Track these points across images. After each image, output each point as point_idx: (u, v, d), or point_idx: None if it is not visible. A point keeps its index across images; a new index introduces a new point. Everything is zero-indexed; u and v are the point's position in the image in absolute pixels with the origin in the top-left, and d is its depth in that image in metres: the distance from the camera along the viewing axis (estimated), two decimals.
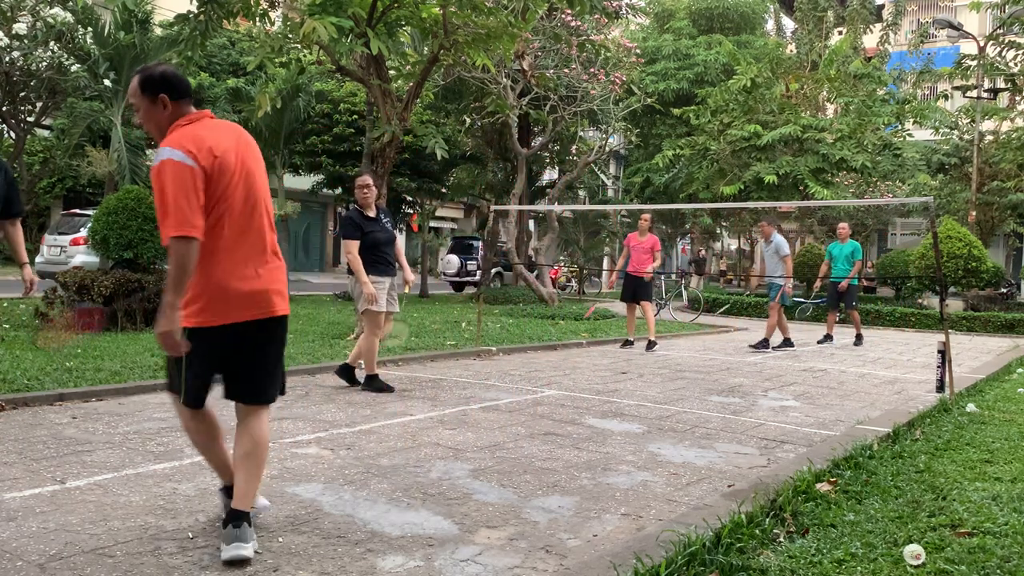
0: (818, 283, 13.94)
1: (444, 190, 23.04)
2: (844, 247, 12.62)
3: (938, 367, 7.36)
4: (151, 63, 3.57)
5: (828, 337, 13.01)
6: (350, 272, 6.72)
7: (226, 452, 3.31)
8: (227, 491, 3.26)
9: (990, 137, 23.70)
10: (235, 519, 3.00)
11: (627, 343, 11.38)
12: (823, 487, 3.90)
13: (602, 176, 31.84)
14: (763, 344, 11.58)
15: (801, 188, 20.04)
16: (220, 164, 2.98)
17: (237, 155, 3.07)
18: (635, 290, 11.25)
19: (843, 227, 12.90)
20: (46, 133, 20.24)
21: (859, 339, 12.88)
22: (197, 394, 3.15)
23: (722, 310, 19.46)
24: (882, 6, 28.29)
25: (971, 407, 6.34)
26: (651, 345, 11.04)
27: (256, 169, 3.18)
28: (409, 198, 21.30)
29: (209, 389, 3.18)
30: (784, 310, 11.82)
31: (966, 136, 24.35)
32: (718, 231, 35.03)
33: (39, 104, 14.38)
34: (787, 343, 11.82)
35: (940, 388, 7.31)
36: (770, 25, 30.40)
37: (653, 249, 11.22)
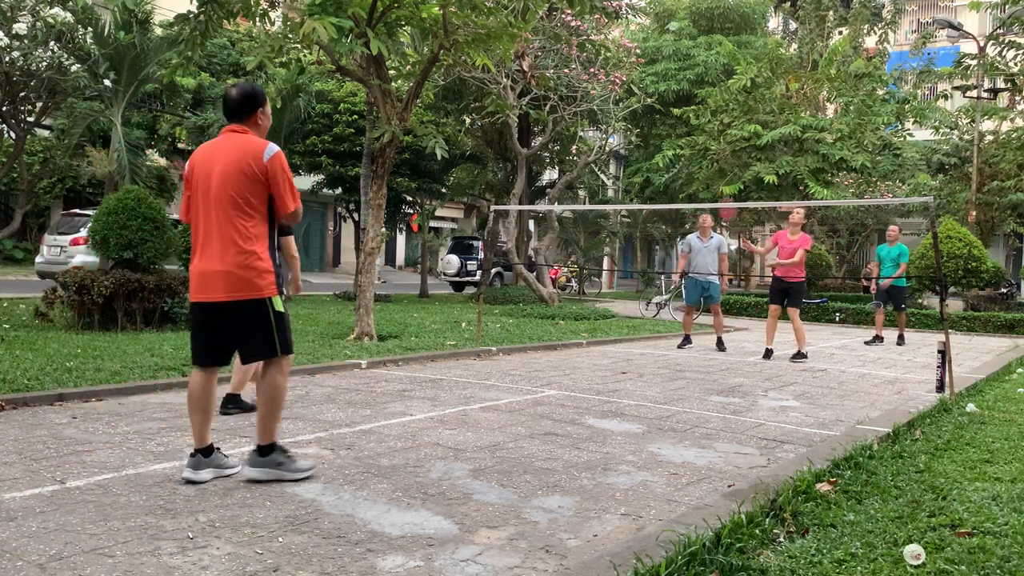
0: (873, 285, 13.84)
1: (444, 190, 23.03)
2: (892, 250, 12.59)
3: (938, 367, 7.36)
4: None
5: (878, 338, 12.94)
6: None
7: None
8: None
9: (990, 137, 23.69)
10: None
11: (768, 353, 10.41)
12: (823, 487, 3.90)
13: (602, 176, 31.82)
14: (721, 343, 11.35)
15: (801, 188, 20.04)
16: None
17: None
18: (785, 293, 10.36)
19: (893, 230, 12.77)
20: (46, 133, 20.21)
21: (901, 339, 12.96)
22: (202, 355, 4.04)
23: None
24: (883, 6, 28.29)
25: (971, 407, 6.34)
26: (798, 356, 10.18)
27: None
28: (409, 198, 21.29)
29: (214, 353, 4.05)
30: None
31: (966, 136, 24.35)
32: (718, 231, 35.03)
33: (39, 104, 14.36)
34: (687, 340, 11.59)
35: (940, 388, 7.31)
36: (772, 24, 30.37)
37: (800, 248, 10.14)
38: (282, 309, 4.01)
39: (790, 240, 10.26)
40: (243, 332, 3.98)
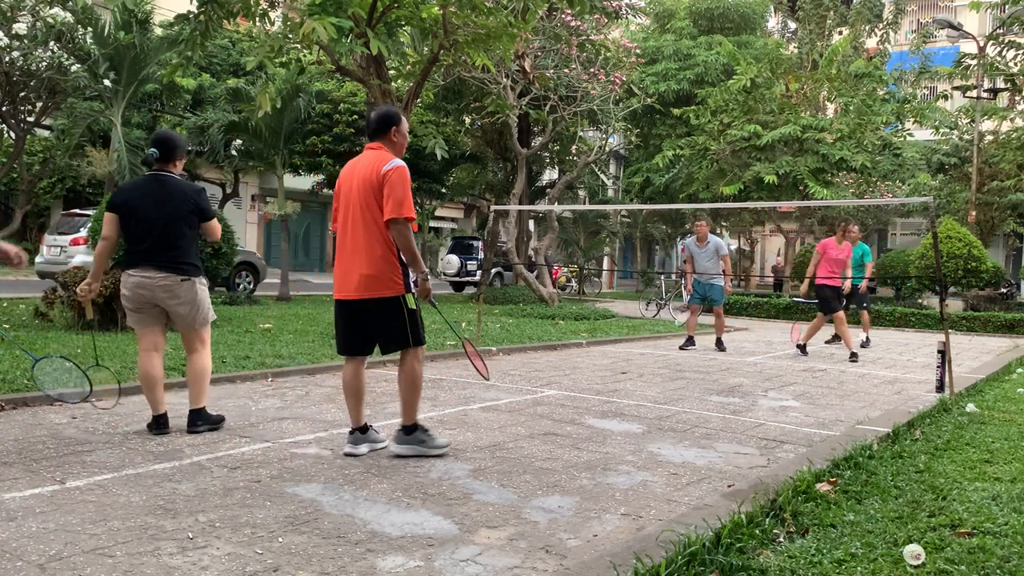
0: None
1: (444, 190, 23.05)
2: (855, 250, 12.52)
3: (938, 367, 7.36)
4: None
5: (865, 339, 12.83)
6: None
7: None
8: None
9: (990, 137, 23.70)
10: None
11: (801, 349, 11.04)
12: (823, 487, 3.90)
13: (602, 176, 31.82)
14: (720, 344, 11.43)
15: (801, 188, 20.04)
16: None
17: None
18: (849, 297, 11.24)
19: (853, 229, 12.75)
20: (46, 133, 20.23)
21: (866, 341, 12.69)
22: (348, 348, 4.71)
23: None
24: (883, 6, 28.31)
25: (971, 407, 6.34)
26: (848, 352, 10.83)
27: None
28: None
29: (355, 344, 4.67)
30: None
31: (966, 136, 24.35)
32: (718, 231, 35.08)
33: (39, 104, 14.38)
34: (690, 342, 11.53)
35: (940, 388, 7.31)
36: (772, 24, 30.35)
37: (844, 260, 10.86)
38: (414, 306, 4.50)
39: (839, 249, 10.82)
40: (381, 326, 4.51)
